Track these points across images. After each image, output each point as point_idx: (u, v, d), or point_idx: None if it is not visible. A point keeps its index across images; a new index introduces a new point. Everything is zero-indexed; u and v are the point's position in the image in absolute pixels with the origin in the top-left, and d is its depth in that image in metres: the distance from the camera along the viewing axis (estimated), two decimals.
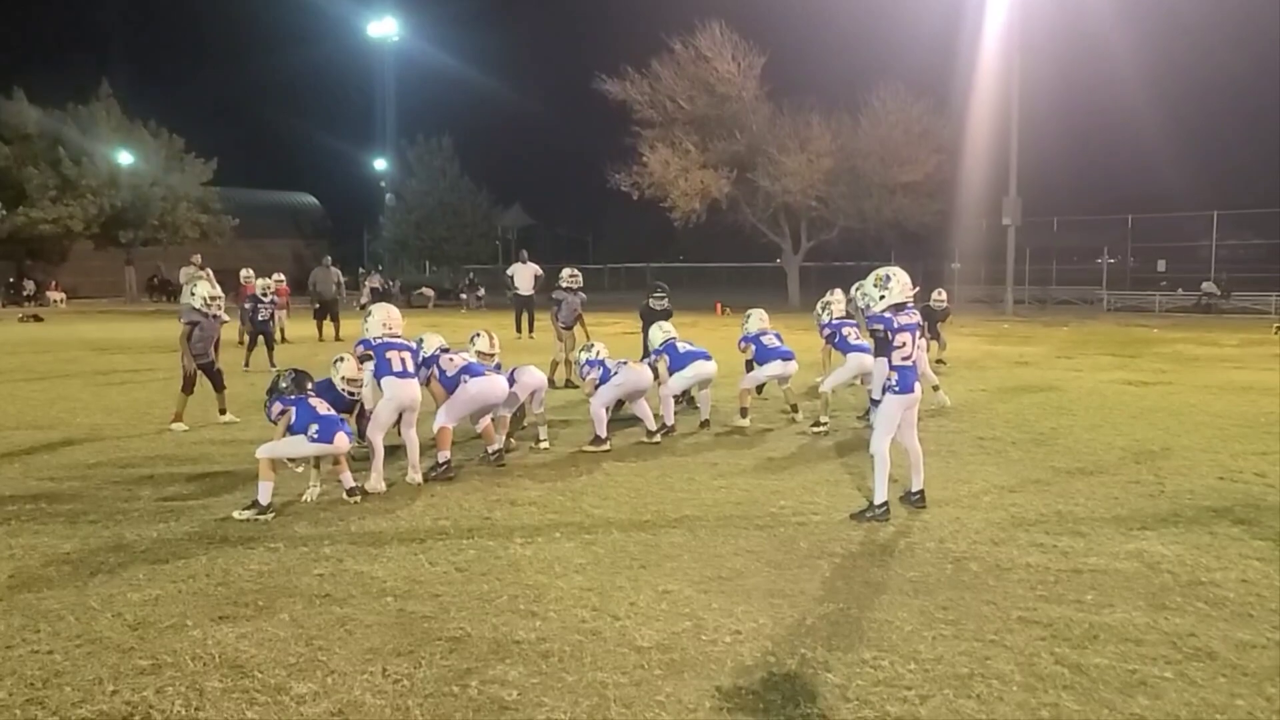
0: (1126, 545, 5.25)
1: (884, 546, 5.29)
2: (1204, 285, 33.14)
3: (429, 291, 38.13)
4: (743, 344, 9.66)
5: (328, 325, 20.02)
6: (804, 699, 3.45)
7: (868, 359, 8.07)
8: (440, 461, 6.98)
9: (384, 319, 7.11)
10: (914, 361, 5.94)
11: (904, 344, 5.83)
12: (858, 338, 9.08)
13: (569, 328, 12.06)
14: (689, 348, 9.14)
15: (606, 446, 8.04)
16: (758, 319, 9.68)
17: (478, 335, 7.82)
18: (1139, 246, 37.74)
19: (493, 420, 7.64)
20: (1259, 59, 44.70)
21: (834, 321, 9.52)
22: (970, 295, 36.71)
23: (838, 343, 9.38)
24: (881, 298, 5.90)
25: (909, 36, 35.89)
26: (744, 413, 9.21)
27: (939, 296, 14.09)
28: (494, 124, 56.15)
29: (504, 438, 7.81)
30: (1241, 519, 5.76)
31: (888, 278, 5.93)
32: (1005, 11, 29.49)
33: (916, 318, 6.04)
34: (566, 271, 12.33)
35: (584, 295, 12.33)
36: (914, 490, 6.18)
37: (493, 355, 7.73)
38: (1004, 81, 30.24)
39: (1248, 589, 4.52)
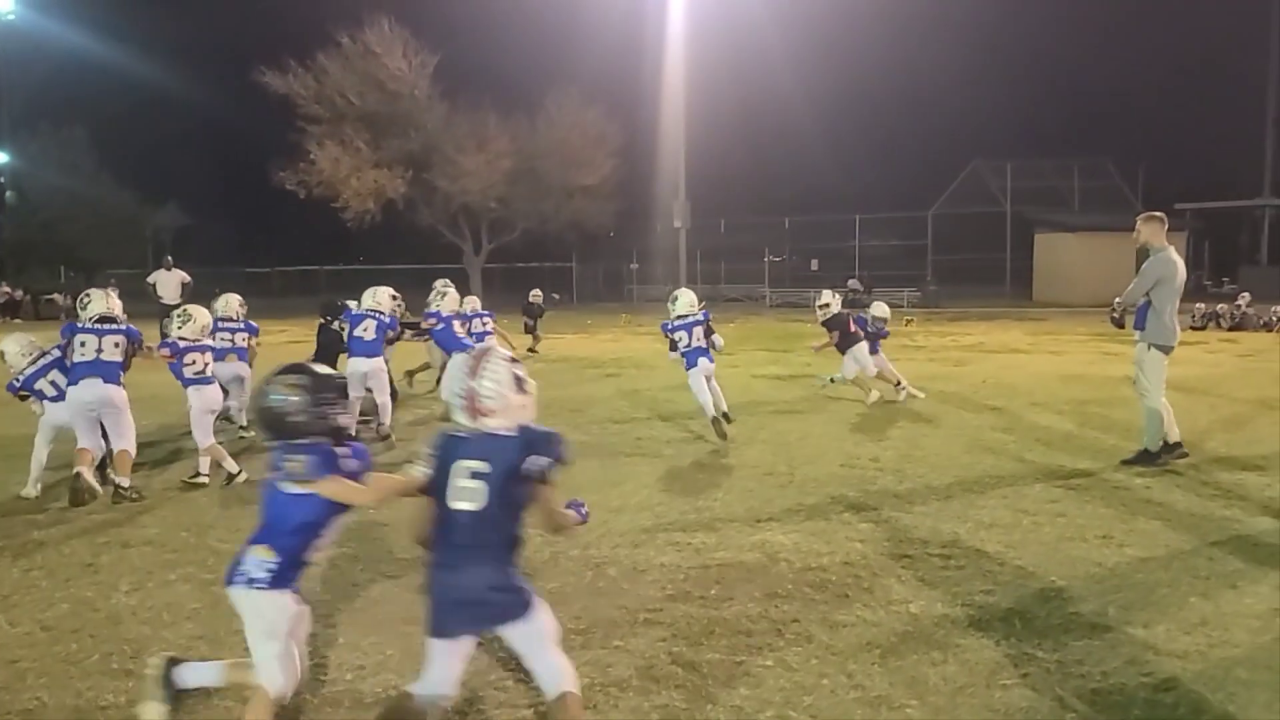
0: (753, 537, 5.58)
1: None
2: (850, 282, 36.77)
3: (60, 299, 33.90)
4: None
5: None
6: None
7: None
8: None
9: (21, 350, 7.03)
10: None
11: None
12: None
13: None
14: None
15: None
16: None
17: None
18: (796, 247, 41.22)
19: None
20: (896, 81, 50.50)
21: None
22: (649, 295, 38.42)
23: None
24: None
25: (585, 42, 36.76)
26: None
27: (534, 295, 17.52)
28: (141, 113, 50.61)
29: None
30: (854, 504, 6.31)
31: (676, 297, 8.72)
32: (675, 25, 31.05)
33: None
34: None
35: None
36: None
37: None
38: (675, 91, 31.81)
39: (848, 570, 4.94)
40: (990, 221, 36.85)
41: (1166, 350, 7.18)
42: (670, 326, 9.08)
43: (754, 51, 40.40)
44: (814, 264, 40.75)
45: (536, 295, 17.86)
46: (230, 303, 9.20)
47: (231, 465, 7.19)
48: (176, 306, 17.32)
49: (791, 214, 40.81)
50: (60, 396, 6.72)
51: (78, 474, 6.36)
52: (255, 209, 48.92)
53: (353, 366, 8.76)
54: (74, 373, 6.65)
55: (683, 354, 8.94)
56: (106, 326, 6.85)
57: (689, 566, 5.07)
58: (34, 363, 6.91)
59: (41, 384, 6.81)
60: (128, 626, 4.35)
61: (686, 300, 9.23)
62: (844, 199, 41.46)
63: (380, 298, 9.17)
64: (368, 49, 32.24)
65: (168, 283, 17.61)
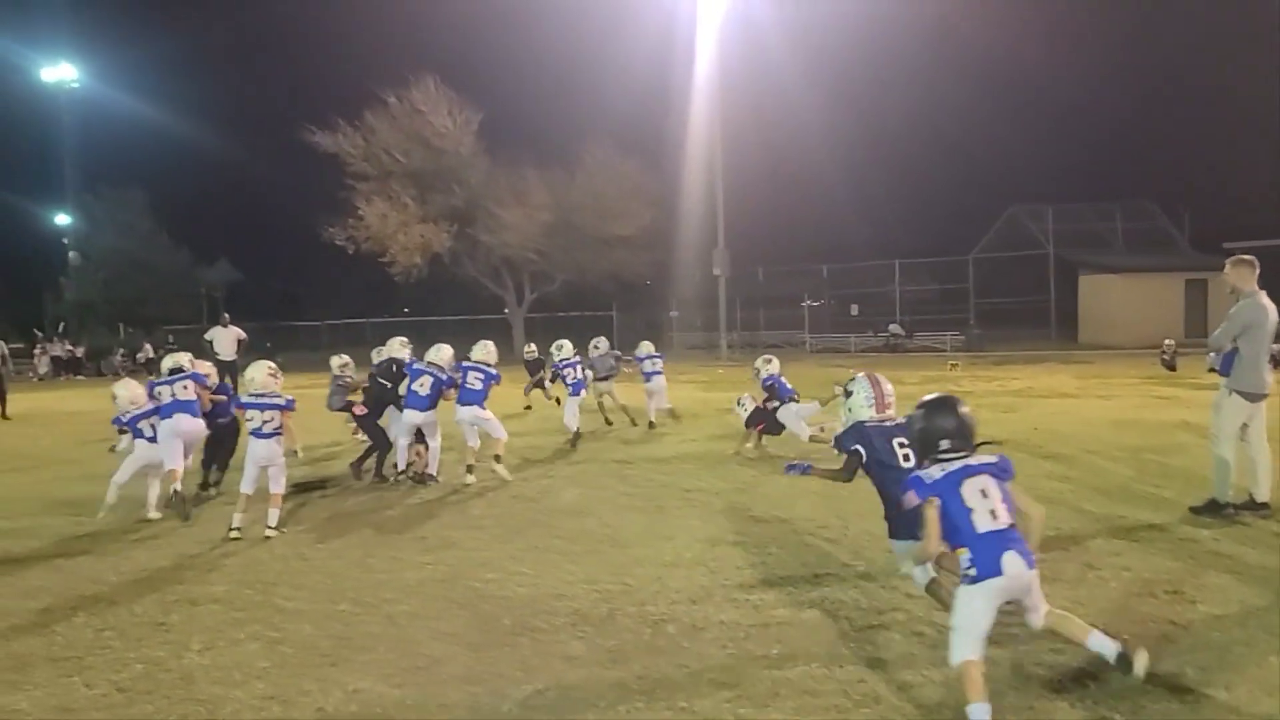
0: (811, 593, 5.54)
1: (585, 615, 5.28)
2: (891, 326, 36.60)
3: (118, 359, 34.44)
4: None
5: None
6: None
7: None
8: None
9: (130, 396, 8.59)
10: None
11: None
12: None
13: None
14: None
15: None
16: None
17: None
18: (835, 293, 41.20)
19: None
20: (932, 127, 50.70)
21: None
22: (689, 342, 38.56)
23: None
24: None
25: (619, 97, 37.53)
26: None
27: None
28: (194, 174, 52.55)
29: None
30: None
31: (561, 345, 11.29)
32: (709, 76, 31.51)
33: None
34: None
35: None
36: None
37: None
38: (710, 143, 32.18)
39: (911, 628, 4.88)
40: (1032, 264, 36.62)
41: (1252, 398, 6.94)
42: (561, 364, 12.22)
43: (789, 100, 40.90)
44: (854, 309, 40.67)
45: (530, 351, 17.87)
46: (393, 345, 10.26)
47: (273, 517, 7.50)
48: (232, 362, 17.78)
49: (830, 260, 40.84)
50: (154, 439, 8.23)
51: (175, 491, 7.94)
52: (303, 264, 50.08)
53: (406, 418, 9.34)
54: (164, 411, 8.28)
55: (570, 384, 11.89)
56: (176, 376, 8.48)
57: (749, 624, 5.04)
58: (139, 409, 8.46)
59: (142, 424, 8.35)
60: (200, 687, 4.42)
61: (569, 348, 12.55)
62: (883, 244, 41.48)
63: (444, 355, 9.68)
64: (414, 108, 33.08)
65: (224, 339, 18.02)
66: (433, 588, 5.91)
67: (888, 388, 5.14)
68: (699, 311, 38.32)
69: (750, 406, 10.78)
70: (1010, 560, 3.72)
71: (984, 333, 33.91)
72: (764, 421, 10.62)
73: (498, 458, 9.44)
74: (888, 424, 5.00)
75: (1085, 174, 48.54)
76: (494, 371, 9.76)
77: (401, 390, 9.46)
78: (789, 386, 10.98)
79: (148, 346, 34.05)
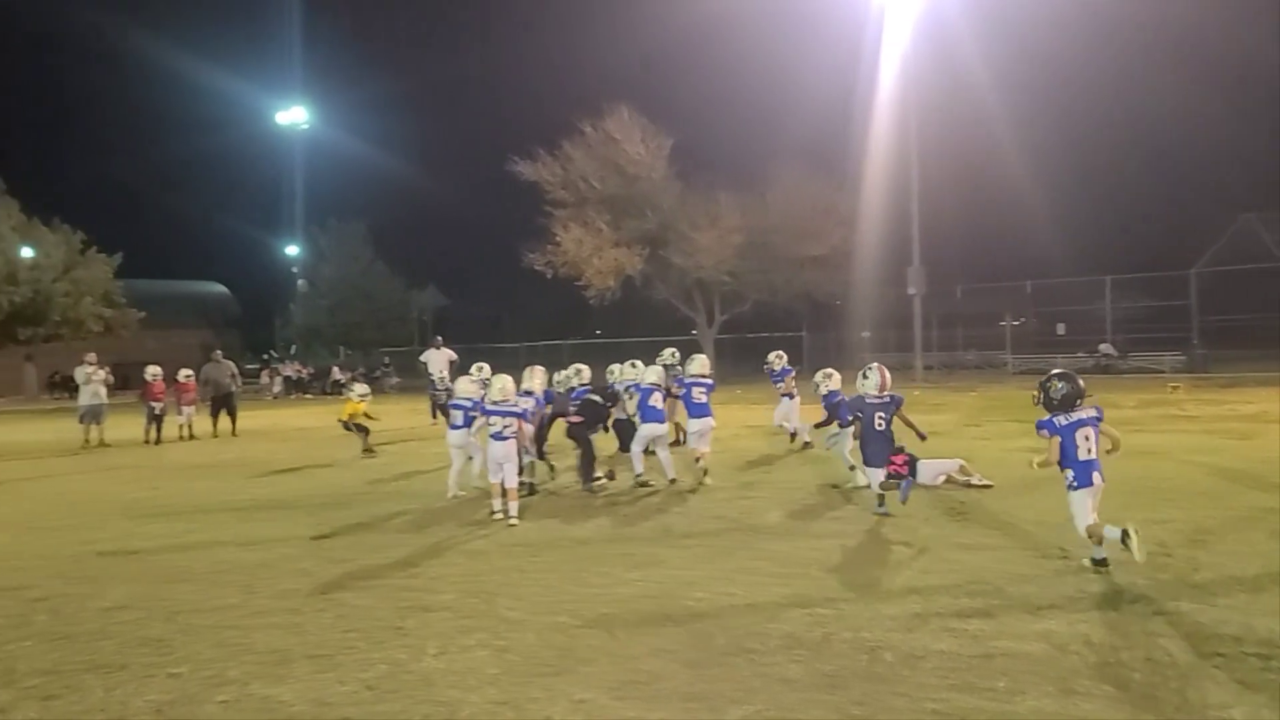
0: (1035, 625, 5.32)
1: (799, 639, 5.28)
2: (1101, 347, 34.47)
3: (344, 376, 37.11)
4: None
5: (224, 419, 19.41)
6: None
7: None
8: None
9: (461, 391, 10.29)
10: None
11: None
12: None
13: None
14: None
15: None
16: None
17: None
18: (1039, 310, 39.23)
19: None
20: (1145, 131, 47.60)
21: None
22: (882, 362, 37.65)
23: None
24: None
25: (809, 115, 37.35)
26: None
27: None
28: (408, 206, 56.51)
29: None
30: (1144, 593, 5.88)
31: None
32: (899, 92, 30.90)
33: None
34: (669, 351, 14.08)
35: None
36: None
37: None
38: (902, 159, 31.51)
39: (1152, 668, 4.61)
40: (1267, 279, 33.58)
41: None
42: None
43: (985, 107, 39.35)
44: (1060, 328, 38.58)
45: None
46: (704, 362, 11.00)
47: (513, 509, 8.83)
48: (443, 378, 18.84)
49: (1033, 276, 38.91)
50: (455, 426, 10.07)
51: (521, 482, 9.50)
52: (502, 288, 52.57)
53: (647, 430, 10.37)
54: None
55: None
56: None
57: (969, 655, 4.90)
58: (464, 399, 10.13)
59: (455, 413, 10.19)
60: (439, 689, 4.72)
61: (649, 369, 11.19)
62: (1092, 259, 39.17)
63: (660, 373, 10.69)
64: (609, 136, 34.11)
65: (437, 360, 19.13)
66: (646, 604, 6.06)
67: (887, 378, 8.66)
68: (893, 332, 37.37)
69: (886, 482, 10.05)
70: (1095, 477, 6.42)
71: (1208, 352, 31.39)
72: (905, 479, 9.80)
73: (698, 459, 10.44)
74: (878, 400, 8.56)
75: None
76: (711, 382, 10.75)
77: (631, 409, 10.60)
78: (847, 410, 9.99)
79: (335, 369, 36.79)
